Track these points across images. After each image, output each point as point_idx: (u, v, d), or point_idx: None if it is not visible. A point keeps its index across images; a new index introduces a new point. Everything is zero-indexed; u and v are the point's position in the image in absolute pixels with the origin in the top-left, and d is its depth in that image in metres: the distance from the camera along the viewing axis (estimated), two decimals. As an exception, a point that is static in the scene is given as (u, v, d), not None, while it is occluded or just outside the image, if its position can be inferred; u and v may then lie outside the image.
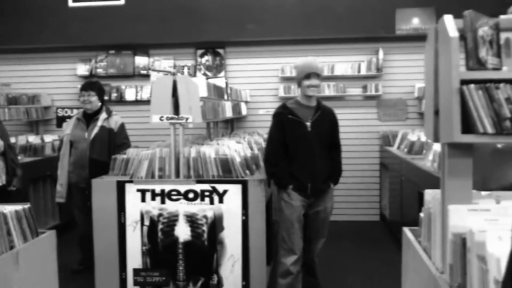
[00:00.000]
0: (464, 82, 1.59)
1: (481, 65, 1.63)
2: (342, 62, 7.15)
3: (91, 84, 4.97)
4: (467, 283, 1.50)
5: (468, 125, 1.58)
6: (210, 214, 3.85)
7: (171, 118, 3.92)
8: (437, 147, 4.33)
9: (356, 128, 7.20)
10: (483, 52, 1.64)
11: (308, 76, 3.75)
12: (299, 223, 3.76)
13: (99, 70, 7.44)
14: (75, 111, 6.71)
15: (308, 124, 3.75)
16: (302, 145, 3.74)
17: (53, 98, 7.60)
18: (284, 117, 3.78)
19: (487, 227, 1.45)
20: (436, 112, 1.79)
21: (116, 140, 4.79)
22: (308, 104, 3.82)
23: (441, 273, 1.76)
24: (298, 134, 3.74)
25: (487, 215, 1.59)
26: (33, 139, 6.44)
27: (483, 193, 1.87)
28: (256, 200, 3.85)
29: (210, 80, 5.09)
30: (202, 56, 7.42)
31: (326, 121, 3.83)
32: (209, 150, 3.99)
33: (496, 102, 1.54)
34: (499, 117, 1.53)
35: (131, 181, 3.93)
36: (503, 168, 3.24)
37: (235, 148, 4.20)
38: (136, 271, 3.92)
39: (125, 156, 4.26)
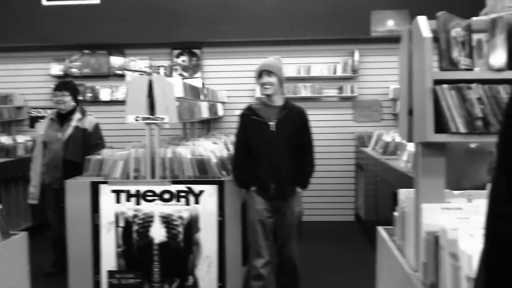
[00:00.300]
0: (437, 82, 1.61)
1: (453, 65, 1.66)
2: (318, 63, 7.19)
3: (65, 84, 4.89)
4: (440, 280, 1.52)
5: (441, 125, 1.60)
6: (185, 215, 3.83)
7: (147, 119, 3.88)
8: (411, 147, 4.38)
9: (332, 129, 7.25)
10: (455, 53, 1.66)
11: (260, 74, 3.70)
12: (262, 227, 3.66)
13: (73, 70, 7.33)
14: (48, 111, 6.60)
15: (272, 124, 3.63)
16: (265, 145, 3.63)
17: (26, 98, 7.45)
18: (247, 118, 3.71)
19: (459, 225, 1.47)
20: (410, 112, 1.81)
21: (91, 141, 4.72)
22: (272, 104, 3.71)
23: (415, 271, 1.78)
24: (261, 134, 3.64)
25: (459, 213, 1.62)
26: (5, 139, 6.32)
27: (455, 192, 1.90)
28: (232, 201, 3.85)
29: (187, 81, 5.07)
30: (178, 56, 7.38)
31: (293, 120, 3.70)
32: (185, 151, 3.97)
33: (468, 102, 1.56)
34: (471, 116, 1.56)
35: (105, 182, 3.89)
36: (476, 168, 3.30)
37: (211, 148, 4.19)
38: (110, 273, 3.88)
39: (99, 157, 4.21)
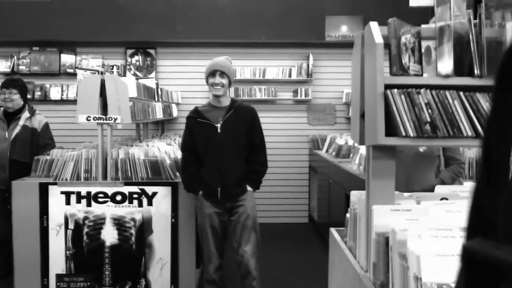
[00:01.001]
0: (388, 87, 1.65)
1: (403, 71, 1.70)
2: (274, 67, 7.25)
3: (13, 81, 4.73)
4: (389, 280, 1.56)
5: (391, 128, 1.64)
6: (138, 217, 3.77)
7: (99, 118, 3.80)
8: (363, 151, 4.47)
9: (286, 131, 7.32)
10: (405, 59, 1.71)
11: (212, 73, 3.59)
12: (213, 231, 3.59)
13: (22, 67, 7.10)
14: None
15: (218, 125, 3.56)
16: (211, 148, 3.56)
17: (-30, 95, 7.15)
18: (193, 121, 3.64)
19: (409, 226, 1.51)
20: (362, 116, 1.85)
21: (40, 141, 4.58)
22: (219, 105, 3.65)
23: (365, 271, 1.82)
24: (207, 137, 3.57)
25: (408, 215, 1.66)
26: None
27: (405, 194, 1.95)
28: (186, 203, 3.82)
29: (140, 81, 5.00)
30: (132, 56, 7.27)
31: (241, 120, 3.61)
32: (138, 152, 3.91)
33: (417, 107, 1.61)
34: (420, 121, 1.61)
35: (54, 183, 3.78)
36: (424, 172, 3.41)
37: (165, 149, 4.14)
38: (59, 277, 3.77)
39: (48, 157, 4.09)
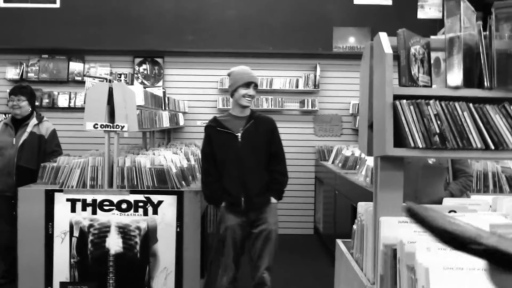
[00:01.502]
0: (397, 97, 1.64)
1: (413, 82, 1.69)
2: (281, 77, 7.25)
3: (21, 88, 4.75)
4: (396, 293, 1.54)
5: (400, 139, 1.63)
6: (143, 225, 3.76)
7: (106, 126, 3.81)
8: (370, 162, 4.45)
9: (292, 142, 7.30)
10: (415, 70, 1.70)
11: (248, 84, 3.57)
12: (233, 245, 3.55)
13: (30, 75, 7.14)
14: (3, 116, 6.39)
15: (239, 135, 3.54)
16: (231, 157, 3.52)
17: (-21, 102, 7.21)
18: (213, 130, 3.60)
19: (417, 238, 1.49)
20: (370, 126, 1.84)
21: (47, 148, 4.60)
22: (240, 115, 3.63)
23: (372, 284, 1.80)
24: (228, 146, 3.54)
25: (417, 227, 1.64)
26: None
27: (412, 206, 1.93)
28: (192, 212, 3.81)
29: (148, 89, 5.01)
30: (140, 64, 7.30)
31: (261, 131, 3.60)
32: (145, 160, 3.91)
33: (426, 118, 1.60)
34: (429, 132, 1.60)
35: (60, 190, 3.78)
36: (433, 183, 3.38)
37: (171, 158, 4.14)
38: (63, 284, 3.76)
39: (55, 164, 4.09)
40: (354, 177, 4.98)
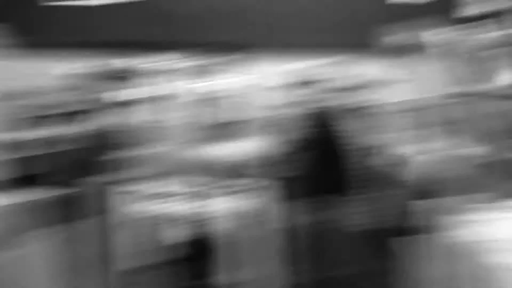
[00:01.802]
0: (447, 95, 1.60)
1: (463, 80, 1.67)
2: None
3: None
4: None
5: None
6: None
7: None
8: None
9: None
10: (465, 68, 1.67)
11: None
12: None
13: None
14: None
15: None
16: None
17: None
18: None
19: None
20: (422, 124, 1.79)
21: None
22: None
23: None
24: None
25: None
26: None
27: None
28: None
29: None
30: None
31: None
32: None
33: (478, 115, 1.55)
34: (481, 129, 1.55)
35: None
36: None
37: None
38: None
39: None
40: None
